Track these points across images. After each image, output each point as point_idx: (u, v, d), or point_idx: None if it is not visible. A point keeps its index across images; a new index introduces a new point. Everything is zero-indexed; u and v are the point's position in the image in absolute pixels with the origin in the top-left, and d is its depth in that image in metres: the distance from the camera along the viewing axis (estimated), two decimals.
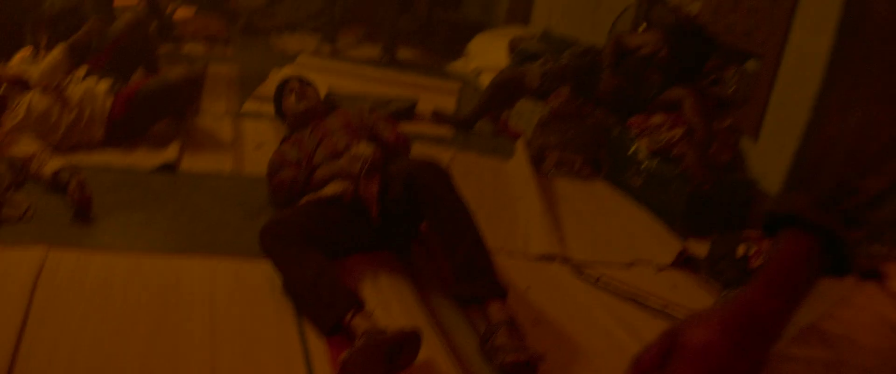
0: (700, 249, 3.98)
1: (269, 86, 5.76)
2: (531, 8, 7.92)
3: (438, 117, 5.51)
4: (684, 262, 3.89)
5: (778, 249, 1.06)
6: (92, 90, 4.15)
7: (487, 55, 6.90)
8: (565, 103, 4.99)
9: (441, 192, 3.06)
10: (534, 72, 5.22)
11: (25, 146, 3.68)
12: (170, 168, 4.01)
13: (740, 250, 3.77)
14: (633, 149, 4.67)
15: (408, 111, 5.54)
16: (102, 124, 4.12)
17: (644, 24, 5.60)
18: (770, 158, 4.35)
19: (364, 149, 3.41)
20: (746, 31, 4.75)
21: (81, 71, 4.26)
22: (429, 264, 3.38)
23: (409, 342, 2.51)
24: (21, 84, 4.02)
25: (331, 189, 3.38)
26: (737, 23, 4.82)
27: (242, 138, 4.62)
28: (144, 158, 4.08)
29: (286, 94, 4.10)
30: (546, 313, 3.14)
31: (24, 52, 4.98)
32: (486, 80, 6.69)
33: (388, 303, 2.96)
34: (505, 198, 4.33)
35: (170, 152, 4.13)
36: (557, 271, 3.58)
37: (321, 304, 2.76)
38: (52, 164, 3.58)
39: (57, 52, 4.27)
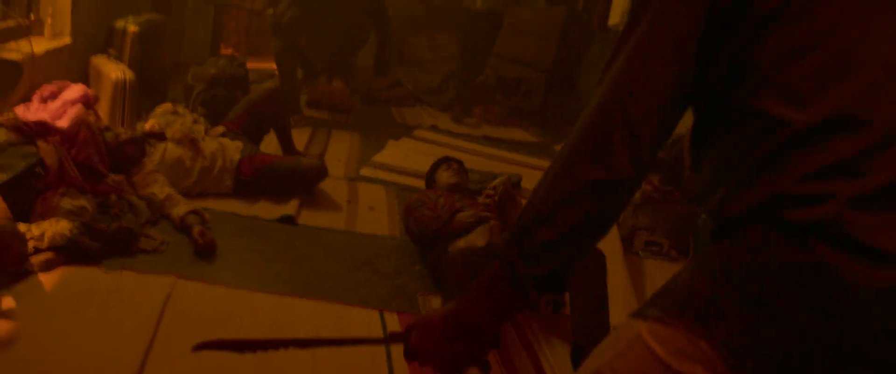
0: None
1: (386, 154, 6.17)
2: None
3: None
4: None
5: (484, 271, 1.41)
6: (224, 145, 4.60)
7: None
8: (655, 190, 5.23)
9: (593, 275, 3.52)
10: None
11: (159, 189, 4.12)
12: (289, 220, 4.40)
13: None
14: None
15: (513, 187, 5.82)
16: (231, 177, 4.55)
17: None
18: None
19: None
20: None
21: (218, 129, 4.73)
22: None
23: None
24: (158, 136, 4.50)
25: (478, 238, 3.75)
26: None
27: (357, 200, 4.99)
28: (266, 210, 4.48)
29: (442, 169, 4.60)
30: None
31: (165, 107, 5.51)
32: None
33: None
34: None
35: (290, 207, 4.52)
36: None
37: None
38: (182, 207, 4.01)
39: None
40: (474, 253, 3.59)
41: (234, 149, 4.62)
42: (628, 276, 4.50)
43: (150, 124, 5.10)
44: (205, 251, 3.76)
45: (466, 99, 8.03)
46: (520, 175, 6.00)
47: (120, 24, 5.46)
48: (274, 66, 7.69)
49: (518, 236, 1.35)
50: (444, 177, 4.53)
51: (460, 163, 4.71)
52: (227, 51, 8.52)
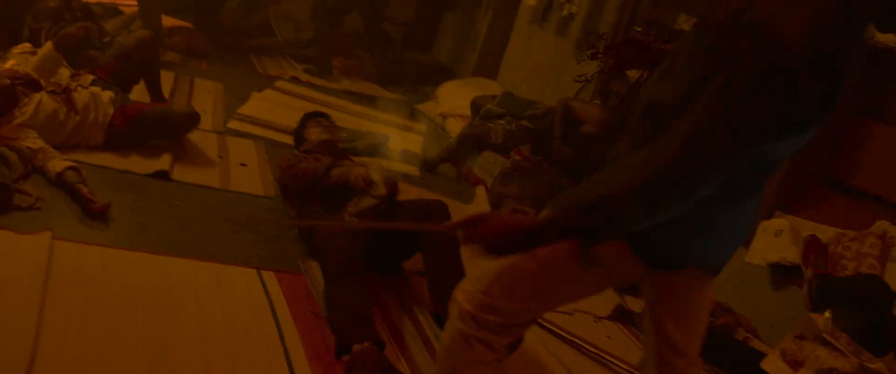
0: (636, 304, 4.42)
1: (251, 107, 6.10)
2: (500, 63, 8.36)
3: (408, 157, 5.92)
4: (620, 315, 4.33)
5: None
6: (97, 97, 4.45)
7: (455, 102, 7.31)
8: (525, 159, 5.42)
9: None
10: (498, 130, 5.67)
11: (32, 142, 3.97)
12: (164, 176, 4.32)
13: None
14: None
15: (380, 147, 5.91)
16: (103, 130, 4.42)
17: (598, 100, 6.08)
18: None
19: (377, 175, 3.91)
20: None
21: (88, 78, 4.57)
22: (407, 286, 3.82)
23: None
24: (33, 84, 4.32)
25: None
26: None
27: (227, 155, 4.95)
28: (139, 164, 4.39)
29: (311, 125, 4.57)
30: None
31: (23, 47, 5.26)
32: (451, 125, 7.12)
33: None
34: None
35: (163, 161, 4.44)
36: None
37: (350, 326, 3.13)
38: (58, 162, 3.87)
39: (46, 49, 4.59)
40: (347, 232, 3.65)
41: (107, 100, 4.48)
42: None
43: (10, 64, 4.88)
44: (98, 214, 3.66)
45: (326, 54, 8.00)
46: (387, 135, 6.06)
47: None
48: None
49: (601, 208, 1.88)
50: (315, 133, 4.53)
51: (329, 118, 4.72)
52: None
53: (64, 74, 5.05)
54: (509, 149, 5.58)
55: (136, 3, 7.41)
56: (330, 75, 7.91)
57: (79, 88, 4.44)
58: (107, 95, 4.51)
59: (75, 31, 4.91)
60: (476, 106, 6.15)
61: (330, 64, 8.02)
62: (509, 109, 5.86)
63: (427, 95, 8.23)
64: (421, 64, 9.07)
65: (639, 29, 6.07)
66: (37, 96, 4.23)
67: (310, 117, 4.67)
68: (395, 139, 6.13)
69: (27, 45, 5.32)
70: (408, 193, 4.99)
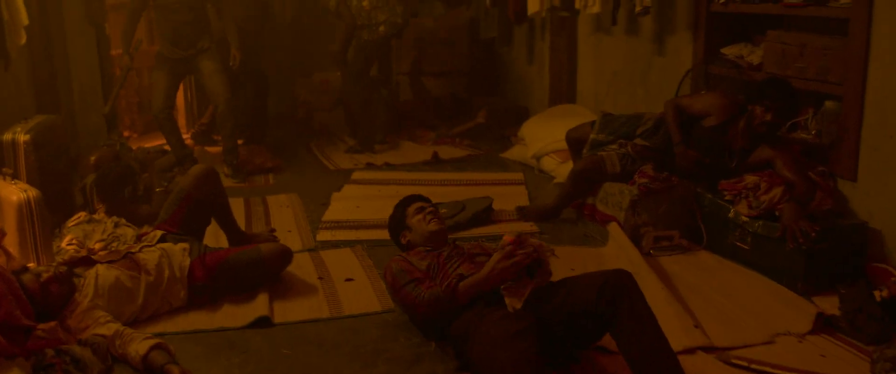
0: (828, 305, 3.77)
1: (335, 210, 5.49)
2: (574, 83, 7.66)
3: (523, 213, 5.23)
4: (824, 325, 3.64)
5: None
6: (168, 252, 3.86)
7: (544, 139, 6.60)
8: (652, 180, 4.70)
9: (638, 304, 2.94)
10: (612, 157, 4.95)
11: (105, 328, 3.37)
12: (265, 322, 3.70)
13: (877, 295, 3.59)
14: (732, 213, 4.38)
15: (485, 212, 5.24)
16: (184, 287, 3.83)
17: (703, 90, 5.34)
18: (874, 197, 4.22)
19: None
20: (819, 73, 4.57)
21: (155, 235, 3.99)
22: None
23: None
24: (84, 261, 3.75)
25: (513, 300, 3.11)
26: (807, 67, 4.60)
27: (328, 274, 4.31)
28: (233, 316, 3.77)
29: (412, 213, 3.87)
30: None
31: (78, 216, 4.74)
32: (548, 164, 6.42)
33: None
34: None
35: (260, 305, 3.82)
36: (704, 364, 3.27)
37: None
38: (140, 344, 3.26)
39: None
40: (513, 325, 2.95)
41: (180, 253, 3.88)
42: (662, 284, 3.94)
43: (66, 241, 4.36)
44: None
45: (366, 125, 7.45)
46: (490, 197, 5.39)
47: (7, 136, 4.67)
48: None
49: None
50: (421, 226, 3.80)
51: (430, 202, 4.02)
52: (125, 134, 7.71)
53: (128, 234, 4.51)
54: (630, 174, 4.84)
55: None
56: (372, 150, 7.30)
57: (144, 249, 3.85)
58: (180, 247, 3.91)
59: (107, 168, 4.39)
60: (574, 140, 5.42)
61: (372, 137, 7.44)
62: (616, 132, 5.13)
63: (509, 141, 7.54)
64: (490, 110, 8.43)
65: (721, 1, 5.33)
66: (91, 272, 3.64)
67: (408, 204, 3.97)
68: (497, 199, 5.46)
69: (82, 215, 4.81)
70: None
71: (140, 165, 5.63)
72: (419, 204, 3.92)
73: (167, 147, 6.94)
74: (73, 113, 6.46)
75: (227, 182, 6.28)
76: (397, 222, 3.94)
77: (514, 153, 7.15)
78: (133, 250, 3.83)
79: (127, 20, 6.50)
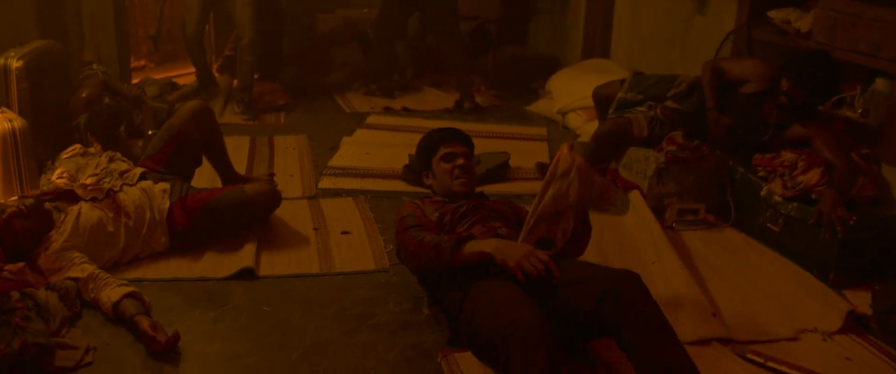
0: (860, 301, 3.43)
1: (343, 156, 5.20)
2: (609, 37, 7.28)
3: (543, 170, 4.90)
4: (853, 323, 3.31)
5: None
6: (149, 192, 3.60)
7: (572, 94, 6.26)
8: (680, 148, 4.36)
9: (644, 315, 2.58)
10: (640, 120, 4.59)
11: (79, 269, 3.13)
12: (248, 273, 3.44)
13: None
14: (764, 191, 4.05)
15: (501, 168, 4.93)
16: (165, 230, 3.57)
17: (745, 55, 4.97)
18: None
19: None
20: (871, 48, 4.17)
21: (135, 172, 3.72)
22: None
23: None
24: (68, 195, 3.50)
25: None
26: (859, 39, 4.23)
27: (325, 225, 4.04)
28: (216, 265, 3.51)
29: (440, 159, 3.32)
30: None
31: (73, 149, 4.49)
32: (574, 121, 6.10)
33: None
34: (633, 259, 3.73)
35: (245, 255, 3.56)
36: (718, 356, 2.96)
37: None
38: (113, 290, 3.01)
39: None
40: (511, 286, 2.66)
41: (160, 194, 3.62)
42: (681, 266, 3.63)
43: (56, 174, 4.11)
44: (166, 351, 2.78)
45: (385, 69, 7.11)
46: (507, 153, 5.09)
47: None
48: (193, 71, 6.72)
49: None
50: (445, 178, 3.30)
51: (471, 146, 3.43)
52: (138, 63, 7.43)
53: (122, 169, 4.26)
54: (659, 139, 4.50)
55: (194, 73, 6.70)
56: (392, 97, 6.96)
57: (125, 188, 3.59)
58: (160, 187, 3.64)
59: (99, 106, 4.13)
60: (602, 98, 5.06)
61: (392, 81, 7.10)
62: (646, 92, 4.78)
63: (537, 93, 7.20)
64: (520, 59, 8.05)
65: None
66: (75, 208, 3.39)
67: (441, 140, 3.36)
68: (518, 154, 5.16)
69: (77, 147, 4.55)
70: None
71: (132, 99, 5.34)
72: (452, 149, 3.33)
73: (178, 80, 6.69)
74: (83, 40, 6.17)
75: (236, 119, 6.06)
76: (424, 156, 3.41)
77: (540, 106, 6.82)
78: (114, 189, 3.56)
79: None
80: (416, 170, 4.22)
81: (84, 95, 4.87)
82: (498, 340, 2.44)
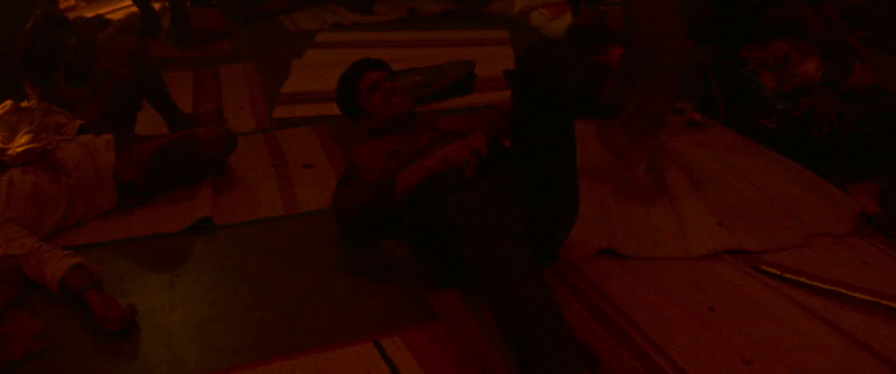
0: (868, 199, 3.16)
1: (295, 80, 4.83)
2: None
3: (512, 79, 4.58)
4: (867, 223, 3.04)
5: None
6: (90, 146, 3.23)
7: None
8: None
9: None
10: (615, 11, 4.25)
11: (17, 247, 2.78)
12: (206, 224, 3.11)
13: None
14: (754, 86, 3.77)
15: (467, 79, 4.60)
16: (112, 187, 3.22)
17: None
18: None
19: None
20: None
21: (73, 125, 3.34)
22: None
23: None
24: None
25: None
26: None
27: (284, 159, 3.70)
28: (171, 217, 3.17)
29: (366, 92, 3.16)
30: (757, 338, 2.30)
31: (5, 105, 4.07)
32: (537, 20, 5.76)
33: None
34: (622, 170, 3.43)
35: (201, 202, 3.22)
36: (731, 271, 2.70)
37: (551, 355, 1.93)
38: (57, 263, 2.67)
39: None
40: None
41: (104, 147, 3.25)
42: (671, 165, 3.36)
43: None
44: (121, 326, 2.47)
45: None
46: (472, 62, 4.74)
47: None
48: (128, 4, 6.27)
49: None
50: (382, 107, 3.12)
51: (386, 68, 3.28)
52: (68, 2, 6.93)
53: (61, 123, 3.85)
54: None
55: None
56: (370, 12, 6.55)
57: (61, 144, 3.21)
58: (102, 139, 3.27)
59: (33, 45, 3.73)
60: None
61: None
62: None
63: None
64: None
65: None
66: (3, 178, 3.01)
67: (356, 78, 3.21)
68: (481, 62, 4.81)
69: (8, 104, 4.11)
70: None
71: (76, 37, 4.89)
72: (371, 76, 3.18)
73: (111, 16, 6.24)
74: None
75: (176, 52, 5.65)
76: (350, 105, 3.24)
77: (498, 7, 6.46)
78: (49, 147, 3.19)
79: None
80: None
81: (26, 31, 4.38)
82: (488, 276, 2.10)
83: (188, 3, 6.10)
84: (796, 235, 2.93)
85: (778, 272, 2.66)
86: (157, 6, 6.46)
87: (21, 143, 3.42)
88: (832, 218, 3.04)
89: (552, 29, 5.44)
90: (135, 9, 6.23)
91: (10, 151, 3.21)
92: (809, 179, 3.37)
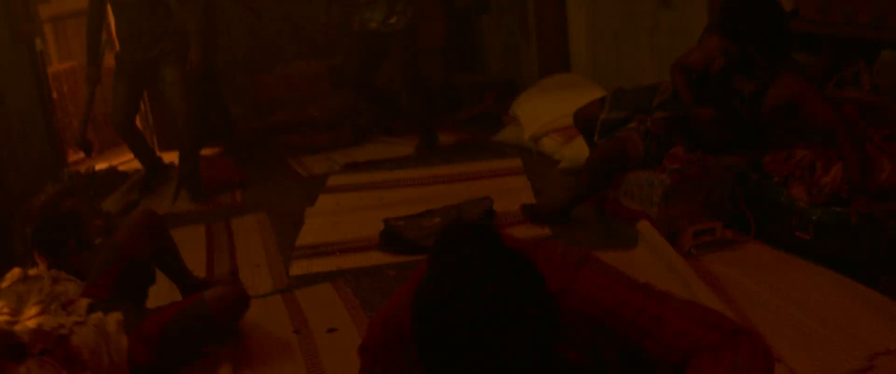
0: None
1: (310, 231, 4.70)
2: (567, 48, 6.85)
3: (532, 213, 4.44)
4: None
5: None
6: (102, 328, 3.07)
7: (541, 116, 5.82)
8: (686, 164, 3.92)
9: None
10: (634, 138, 4.14)
11: None
12: None
13: None
14: (784, 197, 3.64)
15: (486, 217, 4.46)
16: (125, 370, 3.04)
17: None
18: None
19: None
20: (875, 19, 3.75)
21: (82, 304, 3.18)
22: None
23: None
24: (13, 351, 2.94)
25: None
26: (857, 10, 3.82)
27: (307, 324, 3.51)
28: None
29: None
30: None
31: (13, 274, 3.93)
32: (549, 145, 5.67)
33: None
34: None
35: None
36: None
37: None
38: None
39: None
40: None
41: (115, 327, 3.08)
42: (713, 294, 3.18)
43: None
44: None
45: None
46: (490, 198, 4.62)
47: None
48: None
49: None
50: None
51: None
52: (78, 155, 6.88)
53: (70, 290, 3.70)
54: (657, 158, 4.05)
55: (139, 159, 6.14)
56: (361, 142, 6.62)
57: (75, 327, 3.05)
58: (113, 319, 3.10)
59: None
60: (584, 122, 4.60)
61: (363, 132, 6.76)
62: (629, 106, 4.35)
63: (501, 121, 6.74)
64: (474, 87, 7.64)
65: None
66: (21, 371, 2.84)
67: None
68: (498, 196, 4.69)
69: (16, 272, 3.97)
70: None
71: (90, 205, 4.80)
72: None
73: (122, 167, 6.17)
74: (13, 144, 5.64)
75: (188, 206, 5.54)
76: None
77: (508, 135, 6.37)
78: (63, 332, 3.02)
79: (87, 28, 5.60)
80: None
81: (38, 203, 4.26)
82: None
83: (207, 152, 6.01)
84: (855, 357, 2.74)
85: None
86: (167, 160, 6.39)
87: (29, 315, 3.27)
88: (890, 333, 2.85)
89: (565, 155, 5.34)
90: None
91: (19, 327, 3.06)
92: (859, 292, 3.20)
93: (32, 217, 4.46)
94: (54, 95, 6.86)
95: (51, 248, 4.04)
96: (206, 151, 6.41)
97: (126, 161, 6.70)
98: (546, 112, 5.79)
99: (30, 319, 3.15)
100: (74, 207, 4.48)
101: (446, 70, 7.94)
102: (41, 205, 4.46)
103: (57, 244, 4.07)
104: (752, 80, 3.89)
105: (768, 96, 3.85)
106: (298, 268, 4.17)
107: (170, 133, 6.71)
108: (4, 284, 3.85)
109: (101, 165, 6.45)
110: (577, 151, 5.04)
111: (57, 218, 4.16)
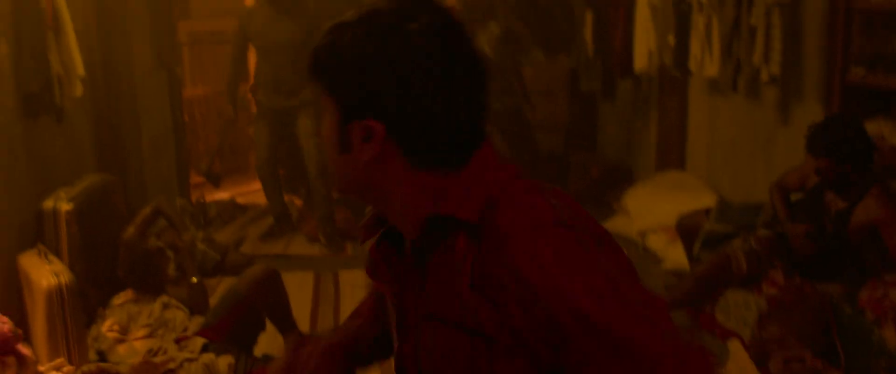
0: None
1: None
2: (684, 148, 6.93)
3: None
4: None
5: None
6: (213, 369, 3.32)
7: (652, 213, 5.92)
8: (784, 290, 3.99)
9: None
10: (739, 256, 4.22)
11: None
12: None
13: None
14: (876, 336, 3.66)
15: None
16: None
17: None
18: None
19: None
20: None
21: (197, 342, 3.45)
22: None
23: None
24: None
25: None
26: None
27: None
28: None
29: None
30: None
31: (126, 295, 4.21)
32: (655, 243, 5.75)
33: None
34: None
35: None
36: None
37: None
38: None
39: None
40: None
41: (226, 370, 3.33)
42: None
43: (107, 325, 3.87)
44: None
45: None
46: None
47: (48, 203, 4.14)
48: (258, 188, 6.41)
49: None
50: None
51: None
52: (198, 179, 7.23)
53: (178, 318, 3.98)
54: (757, 278, 4.13)
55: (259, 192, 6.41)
56: None
57: (186, 364, 3.32)
58: (224, 362, 3.36)
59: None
60: (686, 229, 4.71)
61: None
62: (735, 221, 4.44)
63: (612, 208, 6.84)
64: (594, 167, 7.77)
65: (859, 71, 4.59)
66: None
67: None
68: None
69: (129, 292, 4.24)
70: None
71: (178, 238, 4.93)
72: None
73: (241, 199, 6.47)
74: (142, 166, 5.97)
75: (311, 250, 5.75)
76: None
77: (617, 224, 6.44)
78: (172, 366, 3.29)
79: (231, 63, 5.92)
80: None
81: (126, 236, 4.48)
82: None
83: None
84: None
85: None
86: (295, 203, 6.65)
87: (137, 335, 3.55)
88: None
89: (669, 255, 5.41)
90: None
91: (125, 347, 3.32)
92: None
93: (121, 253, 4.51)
94: (186, 117, 7.16)
95: (137, 281, 4.30)
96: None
97: (244, 192, 7.00)
98: (657, 210, 5.88)
99: (137, 339, 3.42)
100: (160, 244, 4.55)
101: (566, 147, 8.11)
102: (127, 241, 4.50)
103: (144, 278, 4.32)
104: (843, 198, 3.95)
105: (854, 214, 3.89)
106: None
107: (295, 178, 6.94)
108: (117, 301, 4.18)
109: (221, 195, 6.77)
110: (682, 253, 5.12)
111: (142, 256, 4.37)
